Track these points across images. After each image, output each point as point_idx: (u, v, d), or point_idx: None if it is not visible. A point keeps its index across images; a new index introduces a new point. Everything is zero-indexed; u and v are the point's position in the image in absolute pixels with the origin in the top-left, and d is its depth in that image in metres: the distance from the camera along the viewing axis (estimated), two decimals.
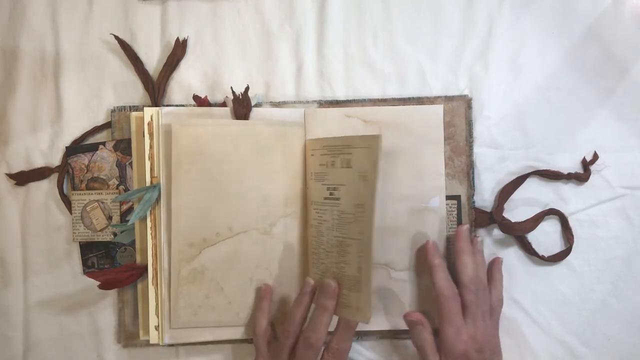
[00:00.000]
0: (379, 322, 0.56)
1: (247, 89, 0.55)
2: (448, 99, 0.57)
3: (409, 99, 0.57)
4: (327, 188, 0.53)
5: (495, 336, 0.54)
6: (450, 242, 0.56)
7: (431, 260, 0.53)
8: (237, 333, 0.55)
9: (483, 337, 0.52)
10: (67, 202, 0.57)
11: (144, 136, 0.54)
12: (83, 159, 0.57)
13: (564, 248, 0.57)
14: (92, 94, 0.58)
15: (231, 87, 0.55)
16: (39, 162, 0.58)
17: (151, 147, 0.54)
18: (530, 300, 0.57)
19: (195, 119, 0.54)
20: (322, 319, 0.50)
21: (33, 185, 0.58)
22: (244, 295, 0.55)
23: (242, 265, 0.55)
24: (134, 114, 0.56)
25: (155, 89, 0.57)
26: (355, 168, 0.50)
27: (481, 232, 0.57)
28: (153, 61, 0.58)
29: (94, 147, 0.57)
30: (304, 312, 0.51)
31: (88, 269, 0.57)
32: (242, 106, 0.55)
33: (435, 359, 0.51)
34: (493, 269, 0.56)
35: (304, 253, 0.56)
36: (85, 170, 0.57)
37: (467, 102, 0.57)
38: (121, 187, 0.57)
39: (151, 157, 0.54)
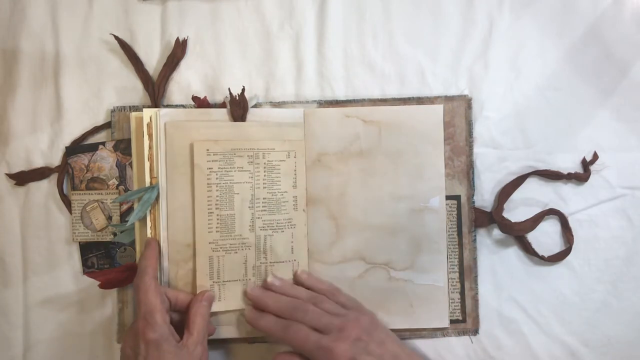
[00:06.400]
0: None
1: (243, 89, 0.55)
2: (448, 99, 0.57)
3: (409, 99, 0.57)
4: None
5: None
6: (450, 241, 0.56)
7: None
8: (234, 332, 0.55)
9: None
10: (67, 202, 0.57)
11: (143, 136, 0.54)
12: (83, 159, 0.57)
13: (564, 248, 0.57)
14: (92, 94, 0.58)
15: (229, 89, 0.55)
16: (39, 162, 0.58)
17: (150, 147, 0.54)
18: (530, 300, 0.57)
19: (189, 121, 0.54)
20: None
21: (33, 185, 0.58)
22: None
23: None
24: (133, 114, 0.56)
25: (155, 89, 0.57)
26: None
27: (481, 232, 0.57)
28: (153, 61, 0.58)
29: (94, 147, 0.57)
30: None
31: (88, 269, 0.57)
32: (238, 107, 0.55)
33: None
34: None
35: (303, 252, 0.56)
36: (85, 170, 0.57)
37: (467, 102, 0.57)
38: (121, 187, 0.57)
39: (150, 158, 0.54)
